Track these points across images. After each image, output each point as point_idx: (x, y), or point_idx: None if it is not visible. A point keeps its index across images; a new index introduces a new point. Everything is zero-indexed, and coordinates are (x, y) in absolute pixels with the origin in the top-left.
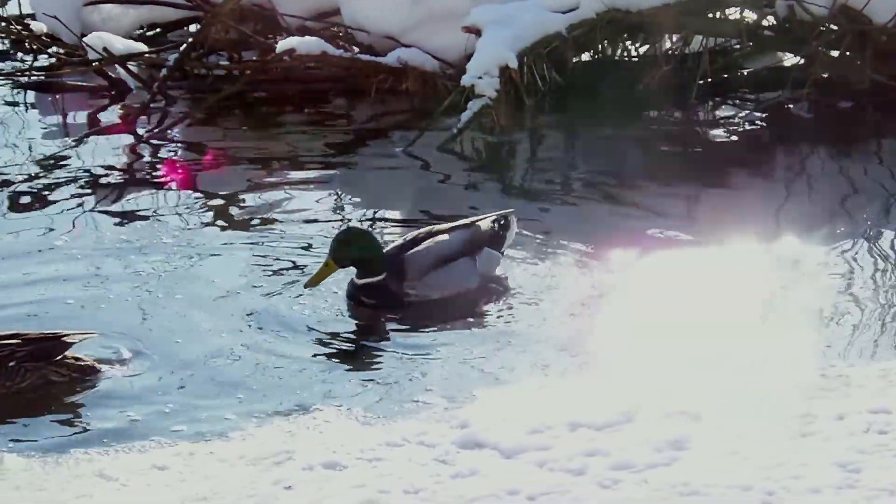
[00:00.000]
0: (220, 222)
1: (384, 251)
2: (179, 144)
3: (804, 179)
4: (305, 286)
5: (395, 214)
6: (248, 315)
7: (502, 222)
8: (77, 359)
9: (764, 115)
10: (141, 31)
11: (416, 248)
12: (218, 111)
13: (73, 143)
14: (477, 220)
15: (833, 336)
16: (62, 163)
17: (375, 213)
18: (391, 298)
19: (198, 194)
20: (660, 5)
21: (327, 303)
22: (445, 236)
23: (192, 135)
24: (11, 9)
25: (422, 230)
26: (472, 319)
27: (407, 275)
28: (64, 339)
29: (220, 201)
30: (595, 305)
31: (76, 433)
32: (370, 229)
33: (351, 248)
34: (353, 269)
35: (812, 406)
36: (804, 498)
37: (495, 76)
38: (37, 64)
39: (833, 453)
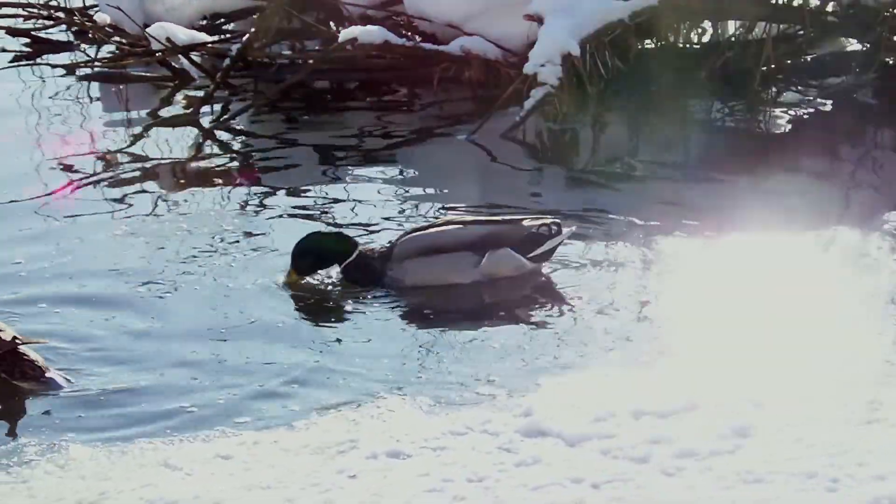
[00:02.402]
0: (280, 213)
1: (344, 235)
2: (243, 135)
3: (869, 166)
4: (280, 285)
5: (458, 202)
6: (308, 305)
7: (553, 228)
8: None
9: (828, 102)
10: (204, 20)
11: (416, 234)
12: (281, 101)
13: (137, 135)
14: (521, 219)
15: None
16: (126, 154)
17: (438, 201)
18: (372, 277)
19: (260, 185)
20: None
21: (389, 294)
22: (457, 227)
23: (256, 125)
24: (75, 0)
25: (448, 218)
26: (531, 310)
27: (391, 256)
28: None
29: (282, 192)
30: (657, 295)
31: (141, 423)
32: (324, 230)
33: (304, 259)
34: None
35: (877, 393)
36: (869, 485)
37: (557, 64)
38: (100, 55)
39: None
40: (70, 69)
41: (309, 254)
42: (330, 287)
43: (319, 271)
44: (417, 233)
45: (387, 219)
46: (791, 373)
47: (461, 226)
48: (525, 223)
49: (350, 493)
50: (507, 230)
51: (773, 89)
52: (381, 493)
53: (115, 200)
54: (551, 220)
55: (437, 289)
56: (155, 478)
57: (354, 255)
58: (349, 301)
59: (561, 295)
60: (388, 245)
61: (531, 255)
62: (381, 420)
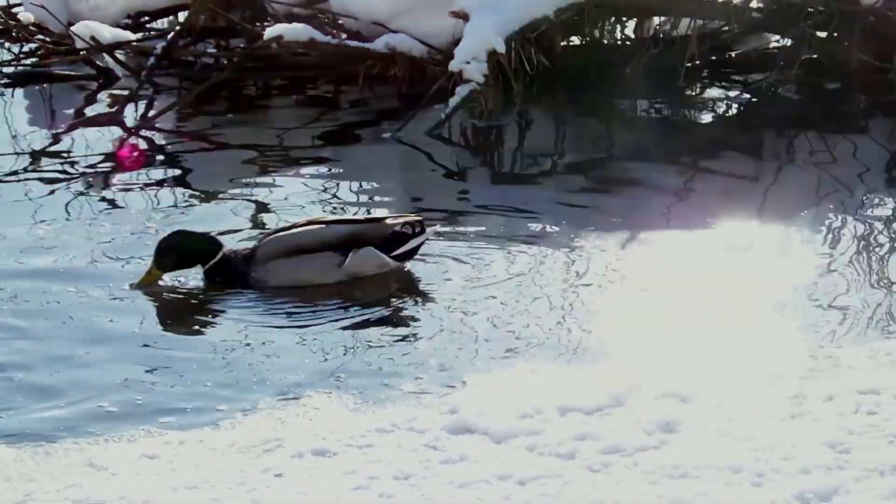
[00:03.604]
0: (202, 211)
1: (208, 236)
2: (167, 133)
3: (792, 161)
4: (131, 287)
5: (383, 200)
6: (229, 303)
7: (416, 227)
8: None
9: (752, 97)
10: (128, 19)
11: (279, 234)
12: (206, 99)
13: (60, 133)
14: (384, 218)
15: (822, 317)
16: (48, 153)
17: (364, 198)
18: (236, 279)
19: (183, 183)
20: None
21: (317, 292)
22: (319, 227)
23: (180, 123)
24: None
25: (310, 217)
26: (460, 304)
27: (255, 258)
28: None
29: (205, 190)
30: (584, 291)
31: (66, 424)
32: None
33: (167, 255)
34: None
35: (802, 387)
36: (794, 479)
37: (483, 61)
38: (23, 53)
39: (823, 434)
40: None
41: (173, 251)
42: (199, 289)
43: (181, 270)
44: (280, 233)
45: (310, 216)
46: (716, 368)
47: (324, 226)
48: (388, 221)
49: (276, 492)
50: (369, 229)
51: (698, 85)
52: (308, 492)
53: (32, 199)
54: (415, 219)
55: (304, 289)
56: (81, 478)
57: (219, 257)
58: (268, 300)
59: (484, 292)
60: (251, 246)
61: (394, 253)
62: (306, 418)
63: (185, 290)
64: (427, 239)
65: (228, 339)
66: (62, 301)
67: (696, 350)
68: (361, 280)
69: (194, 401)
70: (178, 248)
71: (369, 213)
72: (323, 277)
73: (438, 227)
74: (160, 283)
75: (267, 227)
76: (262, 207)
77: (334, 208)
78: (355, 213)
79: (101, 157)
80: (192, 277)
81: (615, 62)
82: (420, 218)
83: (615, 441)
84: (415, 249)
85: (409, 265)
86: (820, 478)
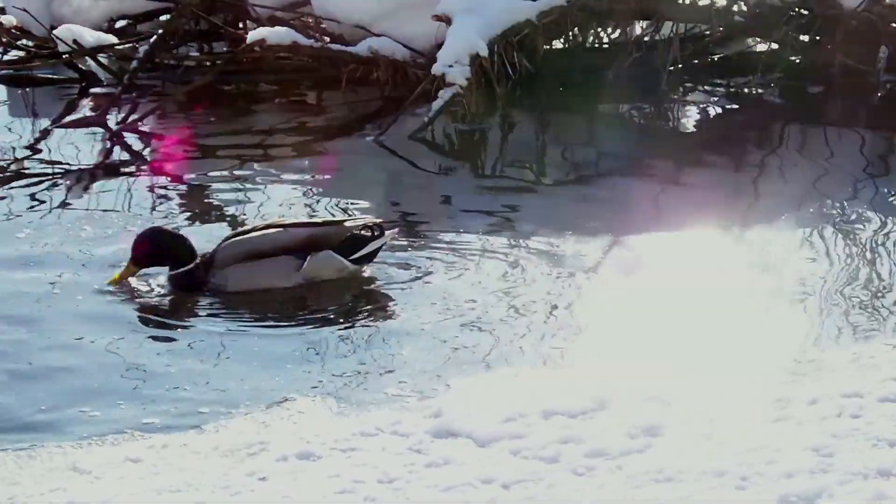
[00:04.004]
0: (186, 215)
1: (189, 243)
2: (149, 136)
3: (774, 164)
4: (108, 283)
5: (366, 204)
6: (213, 306)
7: (375, 231)
8: None
9: (734, 101)
10: (111, 22)
11: (237, 238)
12: (188, 102)
13: (42, 136)
14: (342, 221)
15: (805, 321)
16: (30, 156)
17: (346, 202)
18: (196, 284)
19: (166, 187)
20: None
21: (301, 294)
22: (277, 230)
23: (163, 126)
24: None
25: (268, 221)
26: (444, 308)
27: (213, 264)
28: None
29: (188, 194)
30: (567, 294)
31: (50, 427)
32: (170, 228)
33: (145, 251)
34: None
35: (785, 391)
36: (778, 483)
37: (466, 64)
38: (6, 57)
39: (807, 438)
40: None
41: (155, 247)
42: (174, 293)
43: (153, 266)
44: (238, 237)
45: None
46: (700, 372)
47: (282, 229)
48: (347, 224)
49: (261, 496)
50: (327, 232)
51: (681, 89)
52: (292, 495)
53: (13, 202)
54: (373, 222)
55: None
56: (64, 482)
57: (189, 266)
58: (253, 303)
59: (468, 295)
60: (210, 251)
61: (353, 257)
62: (290, 422)
63: (162, 295)
64: (386, 242)
65: (210, 343)
66: (42, 305)
67: (679, 354)
68: (331, 283)
69: (177, 405)
70: (160, 247)
71: (333, 216)
72: (281, 282)
73: (397, 231)
74: (130, 280)
75: (243, 227)
76: (244, 209)
77: (315, 210)
78: (313, 216)
79: (83, 160)
80: (156, 278)
81: (598, 66)
82: (379, 221)
83: (599, 444)
84: (373, 253)
85: (368, 269)
86: (804, 481)
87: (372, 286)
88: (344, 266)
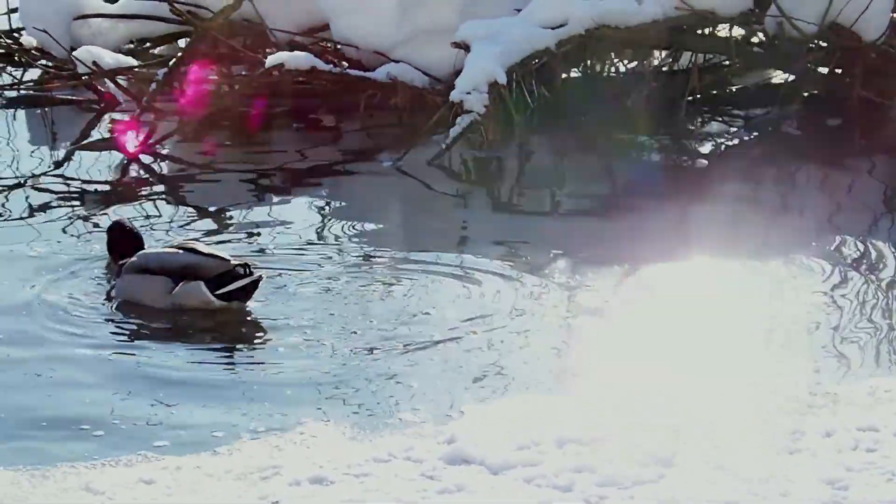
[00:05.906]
0: (201, 237)
1: (136, 243)
2: (168, 159)
3: (792, 197)
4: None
5: (382, 229)
6: (229, 328)
7: (245, 270)
8: None
9: (752, 132)
10: (131, 45)
11: (146, 251)
12: (207, 126)
13: (60, 158)
14: (232, 256)
15: (821, 353)
16: (48, 177)
17: (361, 227)
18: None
19: (184, 209)
20: (649, 22)
21: (315, 314)
22: (174, 251)
23: (181, 149)
24: (1, 23)
25: (181, 241)
26: (456, 336)
27: (122, 269)
28: None
29: (204, 216)
30: (582, 323)
31: (63, 447)
32: (127, 223)
33: (108, 239)
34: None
35: (800, 423)
36: None
37: (484, 92)
38: (26, 78)
39: (820, 470)
40: None
41: (109, 238)
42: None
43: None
44: (148, 251)
45: (310, 243)
46: (714, 402)
47: (179, 251)
48: (233, 261)
49: None
50: (208, 263)
51: (699, 120)
52: None
53: (33, 223)
54: (245, 262)
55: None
56: (77, 502)
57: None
58: (267, 326)
59: (483, 324)
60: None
61: (219, 292)
62: (304, 446)
63: (177, 314)
64: (253, 281)
65: (224, 365)
66: (55, 323)
67: (693, 384)
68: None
69: (192, 426)
70: (111, 239)
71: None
72: (153, 300)
73: (263, 275)
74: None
75: (263, 251)
76: (258, 233)
77: (327, 237)
78: (212, 245)
79: (101, 181)
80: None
81: (615, 95)
82: (247, 263)
83: (612, 473)
84: (241, 290)
85: (248, 305)
86: None
87: (381, 311)
88: (209, 300)
